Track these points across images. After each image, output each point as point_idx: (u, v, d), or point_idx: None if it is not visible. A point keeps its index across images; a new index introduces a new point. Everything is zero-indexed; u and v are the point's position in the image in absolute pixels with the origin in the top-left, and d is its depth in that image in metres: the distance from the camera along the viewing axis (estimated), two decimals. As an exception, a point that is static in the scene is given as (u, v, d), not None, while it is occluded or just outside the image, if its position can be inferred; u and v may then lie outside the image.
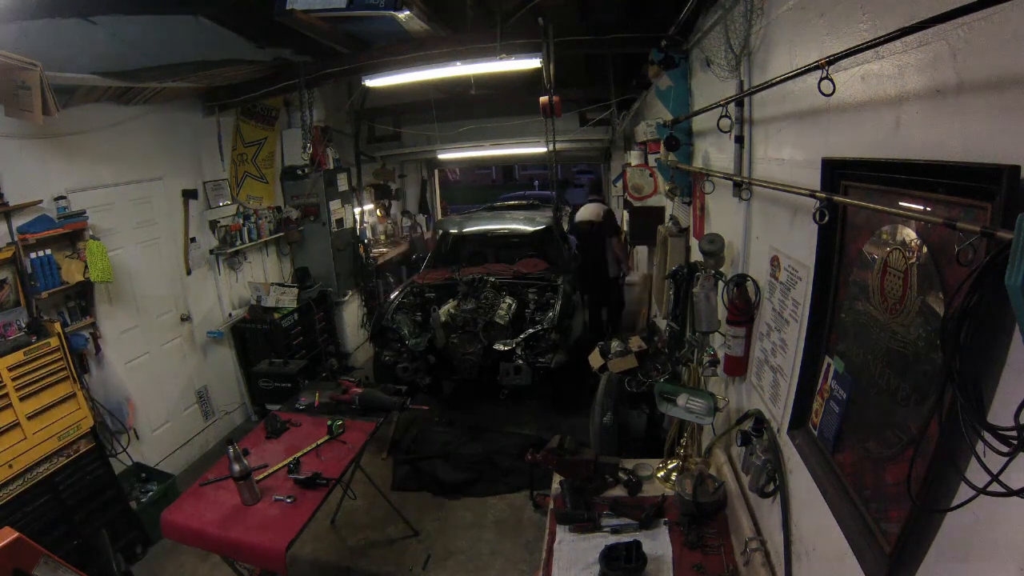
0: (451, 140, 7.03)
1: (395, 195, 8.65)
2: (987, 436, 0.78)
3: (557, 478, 2.53)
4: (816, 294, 1.50)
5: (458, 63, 4.06)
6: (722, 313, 2.28)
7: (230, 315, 5.08)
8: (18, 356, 2.89)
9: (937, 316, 0.98)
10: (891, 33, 1.01)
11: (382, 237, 8.15)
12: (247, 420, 5.23)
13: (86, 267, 3.46)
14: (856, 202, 1.22)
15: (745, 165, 2.20)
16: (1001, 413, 0.83)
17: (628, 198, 4.59)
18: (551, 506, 2.40)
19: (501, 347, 4.55)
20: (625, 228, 5.66)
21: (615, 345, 4.06)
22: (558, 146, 4.47)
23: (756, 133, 2.13)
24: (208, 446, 4.74)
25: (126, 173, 4.03)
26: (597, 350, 4.14)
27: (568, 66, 5.37)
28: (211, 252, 4.89)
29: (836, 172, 1.37)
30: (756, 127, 2.12)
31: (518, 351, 4.52)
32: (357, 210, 6.53)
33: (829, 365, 1.46)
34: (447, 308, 4.89)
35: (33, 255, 3.26)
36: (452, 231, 6.41)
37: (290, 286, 5.42)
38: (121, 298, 3.97)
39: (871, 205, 1.18)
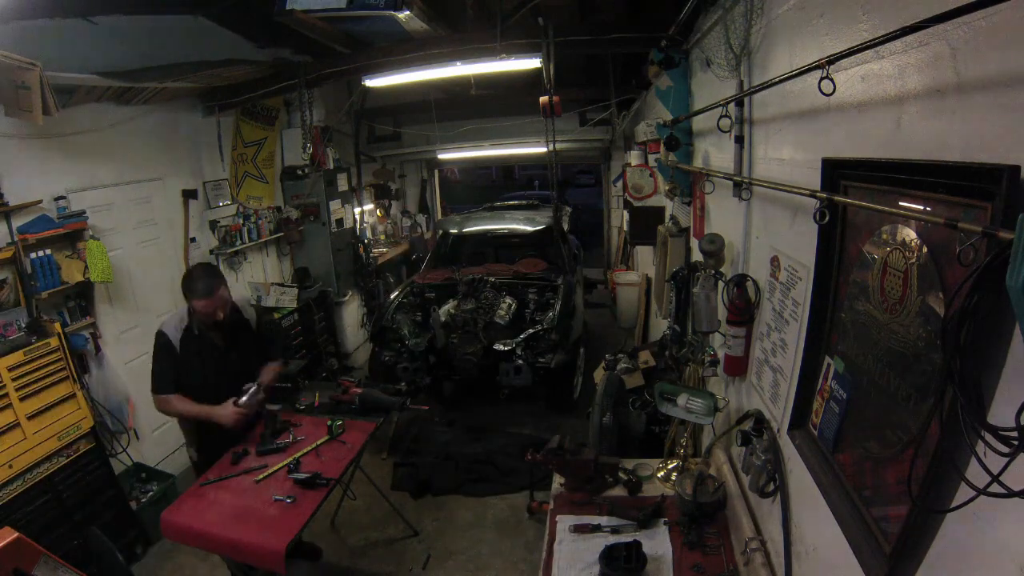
0: (451, 140, 7.03)
1: (395, 195, 8.63)
2: (987, 436, 0.78)
3: (557, 478, 2.53)
4: (816, 294, 1.50)
5: (458, 63, 4.05)
6: (722, 313, 2.28)
7: (230, 315, 5.06)
8: (18, 356, 2.89)
9: (937, 316, 0.98)
10: (891, 33, 1.01)
11: (382, 237, 8.13)
12: (247, 420, 5.22)
13: (86, 267, 3.46)
14: (856, 202, 1.22)
15: (745, 165, 2.20)
16: (1001, 413, 0.83)
17: (628, 198, 4.59)
18: (551, 506, 2.40)
19: (501, 347, 4.54)
20: (625, 228, 5.65)
21: (622, 362, 4.01)
22: (558, 146, 4.47)
23: (756, 133, 2.13)
24: (208, 446, 4.73)
25: (126, 173, 4.02)
26: (602, 366, 4.09)
27: (568, 66, 5.36)
28: (211, 252, 4.88)
29: (836, 172, 1.37)
30: (756, 127, 2.12)
31: (518, 351, 4.51)
32: (357, 210, 6.52)
33: (829, 365, 1.46)
34: (447, 308, 4.88)
35: (33, 255, 3.25)
36: (452, 231, 6.40)
37: (290, 286, 5.41)
38: (121, 298, 3.97)
39: (871, 205, 1.18)
